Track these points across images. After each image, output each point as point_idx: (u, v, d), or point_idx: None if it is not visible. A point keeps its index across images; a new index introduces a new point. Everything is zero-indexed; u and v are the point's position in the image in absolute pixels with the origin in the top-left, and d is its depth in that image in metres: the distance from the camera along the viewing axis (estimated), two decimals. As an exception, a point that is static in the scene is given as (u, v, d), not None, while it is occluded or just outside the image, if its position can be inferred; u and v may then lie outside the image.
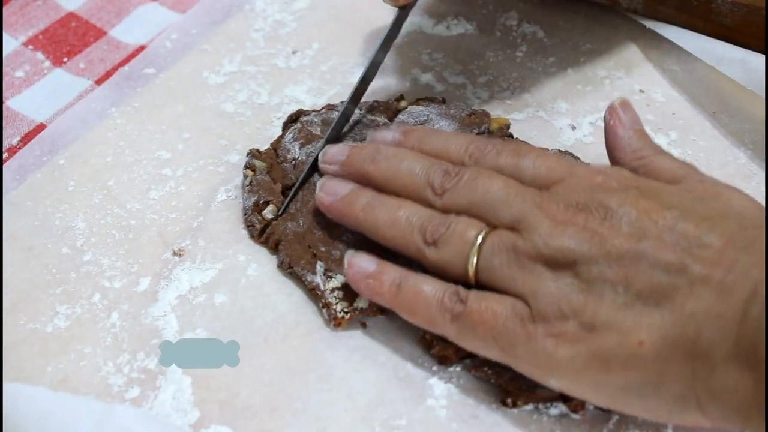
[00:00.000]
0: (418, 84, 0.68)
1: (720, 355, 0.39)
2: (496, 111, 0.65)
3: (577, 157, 0.59)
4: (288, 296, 0.55)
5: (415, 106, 0.64)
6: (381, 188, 0.52)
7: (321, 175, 0.56)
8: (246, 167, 0.60)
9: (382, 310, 0.53)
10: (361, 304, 0.52)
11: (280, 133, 0.63)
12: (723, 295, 0.39)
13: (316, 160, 0.57)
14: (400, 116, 0.63)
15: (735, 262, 0.40)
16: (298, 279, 0.55)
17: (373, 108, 0.64)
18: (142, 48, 0.72)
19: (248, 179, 0.59)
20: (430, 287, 0.48)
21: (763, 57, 0.62)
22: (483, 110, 0.63)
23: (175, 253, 0.57)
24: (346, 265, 0.51)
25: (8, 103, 0.68)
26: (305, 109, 0.65)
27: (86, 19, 0.75)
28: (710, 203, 0.43)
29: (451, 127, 0.61)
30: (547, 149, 0.52)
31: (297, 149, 0.61)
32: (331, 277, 0.53)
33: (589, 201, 0.44)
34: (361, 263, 0.51)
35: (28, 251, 0.57)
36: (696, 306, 0.40)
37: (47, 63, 0.72)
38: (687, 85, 0.66)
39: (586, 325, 0.42)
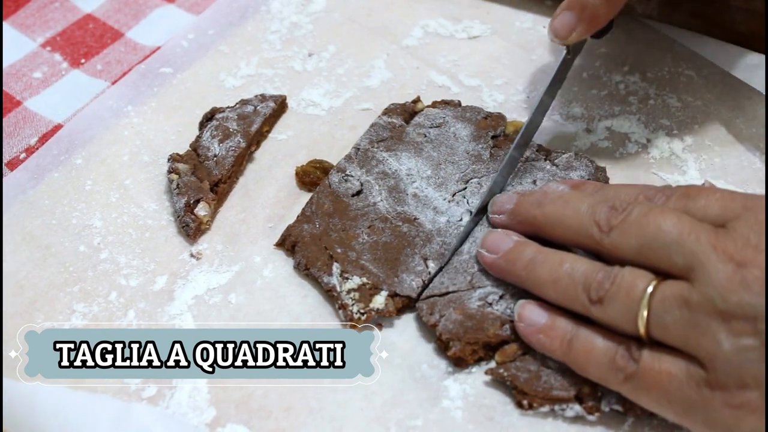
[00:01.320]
0: (434, 85, 0.68)
1: None
2: (512, 114, 0.65)
3: (592, 161, 0.60)
4: (304, 297, 0.55)
5: (431, 108, 0.64)
6: (547, 234, 0.50)
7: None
8: (170, 172, 0.60)
9: (398, 311, 0.53)
10: (377, 305, 0.53)
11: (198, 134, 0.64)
12: None
13: None
14: (416, 118, 0.63)
15: None
16: (315, 280, 0.55)
17: (390, 110, 0.64)
18: (159, 50, 0.72)
19: (174, 183, 0.59)
20: (601, 344, 0.45)
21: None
22: (499, 113, 0.63)
23: (192, 256, 0.58)
24: (516, 317, 0.50)
25: (26, 104, 0.68)
26: (220, 107, 0.65)
27: (103, 20, 0.76)
28: None
29: (467, 129, 0.62)
30: (718, 188, 0.48)
31: (216, 146, 0.61)
32: (347, 279, 0.54)
33: None
34: (531, 316, 0.49)
35: (46, 250, 0.58)
36: None
37: (65, 64, 0.72)
38: (702, 90, 0.66)
39: None
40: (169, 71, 0.70)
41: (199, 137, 0.63)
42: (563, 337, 0.47)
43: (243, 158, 0.62)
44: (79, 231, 0.59)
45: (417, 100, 0.65)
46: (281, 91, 0.68)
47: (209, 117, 0.64)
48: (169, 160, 0.61)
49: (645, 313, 0.43)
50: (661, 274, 0.43)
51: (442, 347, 0.51)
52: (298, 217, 0.58)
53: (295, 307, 0.54)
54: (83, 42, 0.74)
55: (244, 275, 0.56)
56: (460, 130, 0.62)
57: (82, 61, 0.72)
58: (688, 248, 0.42)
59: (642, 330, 0.43)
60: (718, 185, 0.59)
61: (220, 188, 0.60)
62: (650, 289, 0.43)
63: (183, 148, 0.63)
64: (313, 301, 0.55)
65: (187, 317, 0.54)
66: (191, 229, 0.58)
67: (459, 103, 0.64)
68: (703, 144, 0.63)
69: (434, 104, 0.65)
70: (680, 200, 0.46)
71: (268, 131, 0.65)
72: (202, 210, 0.58)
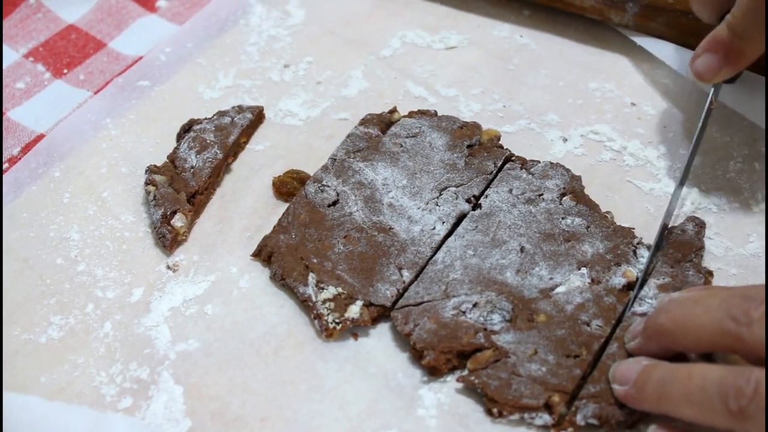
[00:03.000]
0: (411, 96, 0.69)
1: None
2: (488, 123, 0.65)
3: (567, 170, 0.60)
4: (280, 308, 0.55)
5: (407, 118, 0.64)
6: (678, 341, 0.45)
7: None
8: (147, 183, 0.61)
9: (374, 321, 0.54)
10: (352, 315, 0.53)
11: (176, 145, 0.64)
12: None
13: None
14: (393, 128, 0.64)
15: None
16: (291, 291, 0.55)
17: (367, 120, 0.64)
18: (137, 63, 0.72)
19: (151, 194, 0.60)
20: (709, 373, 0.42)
21: (747, 75, 0.62)
22: (474, 122, 0.64)
23: (169, 268, 0.58)
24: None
25: (9, 114, 0.68)
26: (197, 118, 0.65)
27: (86, 31, 0.76)
28: None
29: (443, 139, 0.62)
30: None
31: (193, 157, 0.61)
32: (322, 289, 0.54)
33: None
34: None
35: (23, 262, 0.58)
36: None
37: (47, 75, 0.72)
38: (677, 98, 0.67)
39: None
40: (147, 84, 0.70)
41: (176, 149, 0.63)
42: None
43: (220, 169, 0.63)
44: (56, 244, 0.59)
45: (394, 110, 0.65)
46: (259, 102, 0.68)
47: (187, 128, 0.65)
48: (146, 171, 0.61)
49: None
50: None
51: (417, 356, 0.52)
52: (274, 227, 0.58)
53: (271, 317, 0.55)
54: (66, 52, 0.74)
55: (221, 286, 0.56)
56: (435, 139, 0.62)
57: (65, 71, 0.72)
58: None
59: None
60: (691, 194, 0.60)
61: (197, 199, 0.60)
62: None
63: (161, 159, 0.63)
64: (288, 312, 0.55)
65: (163, 329, 0.54)
66: (168, 240, 0.58)
67: (435, 113, 0.65)
68: (678, 153, 0.63)
69: (411, 114, 0.65)
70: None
71: (246, 142, 0.65)
72: (178, 221, 0.58)
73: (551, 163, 0.61)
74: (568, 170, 0.60)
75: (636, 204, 0.60)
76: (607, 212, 0.58)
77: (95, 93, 0.70)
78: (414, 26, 0.74)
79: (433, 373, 0.51)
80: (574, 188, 0.59)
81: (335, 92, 0.69)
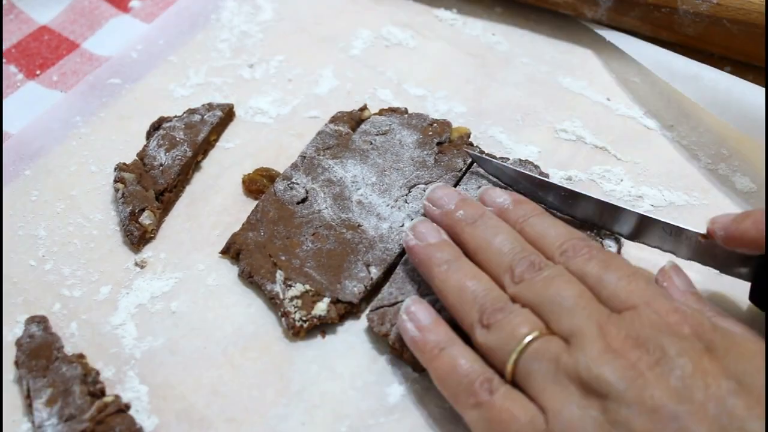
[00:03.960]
0: (382, 93, 0.69)
1: None
2: (458, 121, 0.65)
3: (536, 166, 0.60)
4: (247, 307, 0.55)
5: (377, 116, 0.64)
6: (467, 253, 0.50)
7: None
8: (116, 181, 0.60)
9: (341, 318, 0.53)
10: (319, 312, 0.53)
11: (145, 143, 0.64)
12: None
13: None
14: (363, 126, 0.63)
15: None
16: (258, 288, 0.55)
17: (337, 118, 0.64)
18: (108, 61, 0.72)
19: (120, 192, 0.59)
20: (467, 365, 0.46)
21: (717, 73, 0.62)
22: (444, 120, 0.64)
23: (137, 264, 0.58)
24: (403, 309, 0.50)
25: (-19, 115, 0.68)
26: (167, 116, 0.65)
27: (59, 32, 0.76)
28: None
29: (413, 136, 0.62)
30: (639, 269, 0.47)
31: (162, 155, 0.61)
32: (290, 286, 0.54)
33: (650, 339, 0.41)
34: (417, 313, 0.49)
35: (-10, 261, 0.58)
36: None
37: (20, 76, 0.72)
38: (648, 96, 0.67)
39: None
40: (118, 82, 0.70)
41: (146, 146, 0.63)
42: (436, 343, 0.47)
43: (189, 167, 0.62)
44: (24, 242, 0.59)
45: (364, 108, 0.65)
46: (230, 99, 0.68)
47: (156, 126, 0.64)
48: (115, 169, 0.61)
49: (515, 357, 0.44)
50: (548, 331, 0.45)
51: (397, 355, 0.52)
52: (243, 225, 0.58)
53: (238, 316, 0.54)
54: (38, 53, 0.74)
55: (188, 283, 0.56)
56: (405, 137, 0.62)
57: (38, 72, 0.72)
58: (576, 319, 0.43)
59: (509, 368, 0.44)
60: (661, 194, 0.60)
61: (165, 197, 0.60)
62: (531, 336, 0.44)
63: (131, 157, 0.62)
64: (256, 311, 0.55)
65: (129, 327, 0.54)
66: (135, 237, 0.58)
67: (406, 111, 0.65)
68: (648, 151, 0.63)
69: (381, 112, 0.65)
70: (598, 267, 0.46)
71: (216, 140, 0.65)
72: (146, 219, 0.58)
73: (520, 160, 0.61)
74: (536, 166, 0.60)
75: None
76: None
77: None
78: (386, 23, 0.74)
79: (416, 368, 0.51)
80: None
81: (306, 90, 0.69)
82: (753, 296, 0.50)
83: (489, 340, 0.45)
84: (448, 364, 0.46)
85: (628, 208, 0.53)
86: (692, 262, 0.52)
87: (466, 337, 0.47)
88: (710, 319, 0.43)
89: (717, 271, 0.51)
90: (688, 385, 0.39)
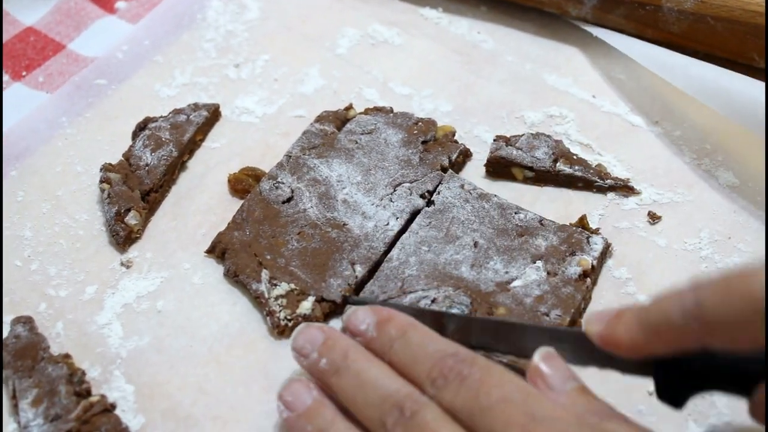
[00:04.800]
0: (367, 92, 0.69)
1: None
2: (443, 119, 0.65)
3: (549, 137, 0.62)
4: (233, 306, 0.55)
5: (363, 115, 0.64)
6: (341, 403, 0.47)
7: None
8: (101, 181, 0.60)
9: (326, 316, 0.54)
10: (303, 311, 0.53)
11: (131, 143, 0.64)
12: None
13: None
14: (348, 125, 0.64)
15: None
16: (244, 287, 0.55)
17: (322, 117, 0.64)
18: (94, 62, 0.72)
19: (106, 192, 0.60)
20: None
21: (705, 65, 0.62)
22: (429, 119, 0.64)
23: (123, 264, 0.58)
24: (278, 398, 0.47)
25: (-33, 116, 0.68)
26: (153, 116, 0.65)
27: (45, 33, 0.75)
28: None
29: (398, 135, 0.62)
30: (514, 381, 0.43)
31: (148, 155, 0.61)
32: (275, 285, 0.54)
33: None
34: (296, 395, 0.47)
35: (-25, 262, 0.58)
36: None
37: (6, 77, 0.72)
38: (633, 93, 0.67)
39: None
40: (104, 82, 0.70)
41: (131, 147, 0.63)
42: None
43: (175, 167, 0.62)
44: (9, 243, 0.59)
45: (349, 107, 0.65)
46: (216, 99, 0.68)
47: (142, 126, 0.64)
48: (101, 170, 0.61)
49: None
50: None
51: None
52: (228, 224, 0.58)
53: (223, 315, 0.55)
54: (24, 55, 0.74)
55: (173, 282, 0.56)
56: (391, 136, 0.62)
57: (24, 73, 0.72)
58: None
59: None
60: (646, 189, 0.60)
61: (151, 197, 0.60)
62: None
63: (116, 158, 0.62)
64: (242, 310, 0.55)
65: (115, 326, 0.54)
66: (121, 237, 0.58)
67: (391, 110, 0.65)
68: (633, 148, 0.63)
69: (366, 111, 0.65)
70: (468, 395, 0.43)
71: (202, 140, 0.65)
72: (132, 219, 0.58)
73: (533, 134, 0.62)
74: (549, 137, 0.62)
75: (591, 199, 0.61)
76: (599, 165, 0.61)
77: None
78: (372, 21, 0.74)
79: None
80: (562, 151, 0.61)
81: (292, 89, 0.69)
82: (660, 395, 0.44)
83: None
84: None
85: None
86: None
87: None
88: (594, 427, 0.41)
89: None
90: None
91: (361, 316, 0.48)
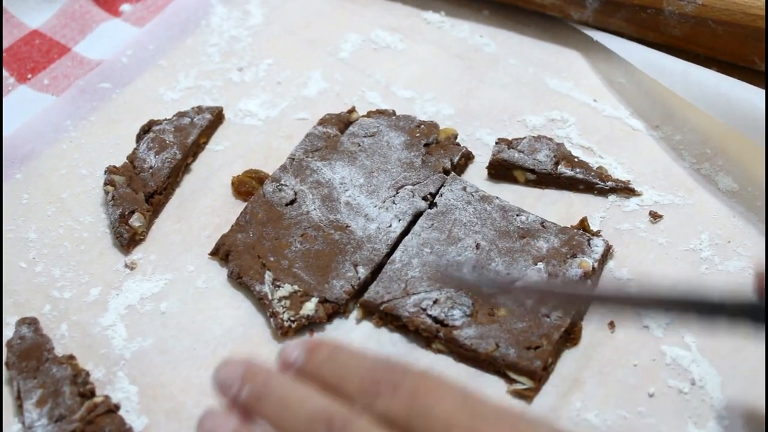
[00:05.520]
0: (369, 95, 0.69)
1: None
2: (445, 122, 0.66)
3: (551, 139, 0.62)
4: (236, 309, 0.55)
5: (366, 118, 0.65)
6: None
7: None
8: (106, 184, 0.61)
9: (329, 317, 0.54)
10: (307, 312, 0.53)
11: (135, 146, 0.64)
12: None
13: None
14: (351, 128, 0.64)
15: None
16: (248, 289, 0.56)
17: (325, 120, 0.65)
18: (99, 66, 0.72)
19: (110, 194, 0.60)
20: None
21: (704, 70, 0.63)
22: (432, 121, 0.64)
23: (127, 266, 0.58)
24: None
25: (-27, 119, 0.68)
26: (157, 119, 0.65)
27: (50, 36, 0.76)
28: None
29: (401, 138, 0.63)
30: (453, 389, 0.42)
31: (152, 158, 0.62)
32: (279, 286, 0.54)
33: None
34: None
35: (-19, 263, 0.58)
36: None
37: (12, 80, 0.72)
38: (634, 97, 0.67)
39: None
40: (109, 86, 0.70)
41: (136, 149, 0.63)
42: None
43: (179, 169, 0.63)
44: (14, 245, 0.59)
45: (352, 110, 0.66)
46: (219, 102, 0.68)
47: (146, 129, 0.65)
48: (105, 172, 0.61)
49: None
50: None
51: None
52: (232, 226, 0.58)
53: (227, 318, 0.55)
54: (30, 57, 0.74)
55: (177, 284, 0.57)
56: (393, 138, 0.63)
57: (29, 76, 0.72)
58: None
59: None
60: (647, 192, 0.60)
61: (155, 199, 0.60)
62: None
63: (121, 160, 0.63)
64: (245, 312, 0.55)
65: (119, 328, 0.54)
66: (125, 239, 0.58)
67: (393, 113, 0.65)
68: (634, 151, 0.64)
69: (369, 114, 0.65)
70: (402, 403, 0.41)
71: (205, 143, 0.66)
72: (136, 221, 0.59)
73: (534, 137, 0.62)
74: (551, 139, 0.62)
75: (592, 201, 0.61)
76: (600, 168, 0.61)
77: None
78: (374, 26, 0.75)
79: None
80: (564, 154, 0.61)
81: (295, 92, 0.69)
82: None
83: None
84: None
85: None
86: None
87: None
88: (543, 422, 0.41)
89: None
90: None
91: (289, 349, 0.46)
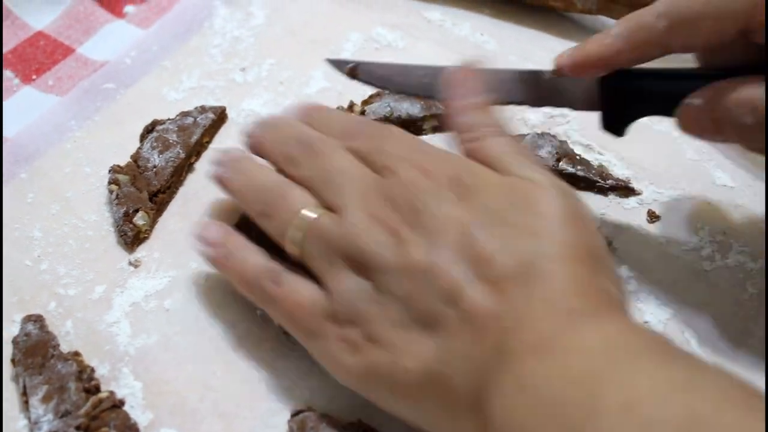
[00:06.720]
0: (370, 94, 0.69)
1: (462, 405, 0.37)
2: (446, 121, 0.66)
3: (554, 136, 0.63)
4: (239, 305, 0.56)
5: (370, 104, 0.65)
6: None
7: None
8: (110, 183, 0.61)
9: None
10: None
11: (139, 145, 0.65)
12: (477, 336, 0.37)
13: None
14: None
15: (503, 302, 0.37)
16: (250, 285, 0.56)
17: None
18: (103, 67, 0.73)
19: (114, 193, 0.61)
20: (252, 263, 0.47)
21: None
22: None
23: (131, 264, 0.58)
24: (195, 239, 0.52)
25: (-22, 120, 0.69)
26: (161, 119, 0.66)
27: (54, 37, 0.77)
28: (522, 213, 0.39)
29: (415, 107, 0.64)
30: (417, 140, 0.48)
31: (156, 157, 0.62)
32: (281, 283, 0.55)
33: (408, 200, 0.42)
34: (207, 235, 0.51)
35: (-14, 262, 0.59)
36: (457, 345, 0.37)
37: (16, 81, 0.73)
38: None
39: (368, 336, 0.41)
40: (113, 87, 0.71)
41: (139, 149, 0.64)
42: (226, 252, 0.49)
43: (183, 169, 0.63)
44: (20, 243, 0.60)
45: (351, 105, 0.66)
46: (222, 102, 0.69)
47: (150, 129, 0.65)
48: (109, 171, 0.62)
49: (295, 236, 0.45)
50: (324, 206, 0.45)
51: None
52: (235, 223, 0.59)
53: (230, 314, 0.55)
54: (34, 58, 0.75)
55: (181, 282, 0.57)
56: (408, 107, 0.63)
57: (34, 77, 0.73)
58: (342, 189, 0.44)
59: (297, 251, 0.45)
60: (647, 189, 0.61)
61: (159, 198, 0.61)
62: (309, 214, 0.45)
63: (125, 160, 0.63)
64: (248, 309, 0.55)
65: (123, 325, 0.55)
66: (129, 237, 0.59)
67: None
68: (635, 141, 0.63)
69: (370, 98, 0.66)
70: (370, 140, 0.47)
71: (209, 142, 0.66)
72: (140, 219, 0.59)
73: (537, 134, 0.63)
74: (554, 136, 0.62)
75: (593, 199, 0.61)
76: (600, 166, 0.61)
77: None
78: (375, 25, 0.75)
79: None
80: (566, 151, 0.62)
81: (297, 91, 0.70)
82: (605, 124, 0.53)
83: (271, 227, 0.47)
84: (236, 267, 0.48)
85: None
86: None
87: None
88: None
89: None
90: (440, 236, 0.39)
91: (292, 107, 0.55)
